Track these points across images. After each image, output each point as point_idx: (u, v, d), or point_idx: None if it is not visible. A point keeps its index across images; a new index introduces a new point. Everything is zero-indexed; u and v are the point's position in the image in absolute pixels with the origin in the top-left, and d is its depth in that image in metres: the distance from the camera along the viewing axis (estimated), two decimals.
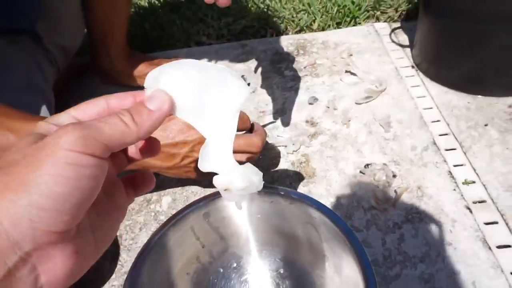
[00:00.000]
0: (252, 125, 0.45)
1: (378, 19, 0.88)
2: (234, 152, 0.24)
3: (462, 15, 0.56)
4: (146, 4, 1.06)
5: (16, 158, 0.17)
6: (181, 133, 0.42)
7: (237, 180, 0.22)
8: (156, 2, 1.05)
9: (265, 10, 0.94)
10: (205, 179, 0.50)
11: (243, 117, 0.44)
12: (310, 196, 0.34)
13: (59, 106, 0.62)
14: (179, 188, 0.54)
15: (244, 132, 0.45)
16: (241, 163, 0.23)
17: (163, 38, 0.92)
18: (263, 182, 0.24)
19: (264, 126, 0.62)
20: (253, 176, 0.23)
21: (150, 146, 0.24)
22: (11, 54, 0.52)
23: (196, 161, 0.42)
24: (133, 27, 0.92)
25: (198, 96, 0.22)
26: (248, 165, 0.23)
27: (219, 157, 0.23)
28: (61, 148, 0.17)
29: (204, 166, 0.23)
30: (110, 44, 0.72)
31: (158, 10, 1.02)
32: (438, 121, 0.59)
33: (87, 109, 0.22)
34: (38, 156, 0.17)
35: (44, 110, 0.53)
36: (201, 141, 0.42)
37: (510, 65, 0.57)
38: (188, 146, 0.42)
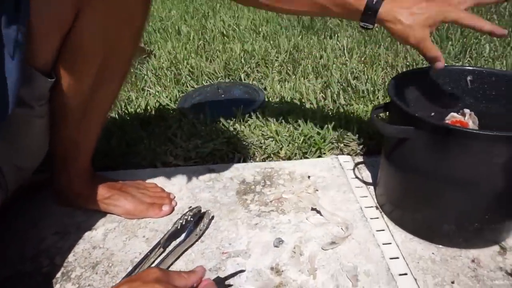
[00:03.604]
0: None
1: (342, 151, 0.92)
2: None
3: (420, 173, 0.59)
4: (116, 116, 1.07)
5: None
6: None
7: None
8: (127, 117, 1.06)
9: (234, 134, 0.96)
10: None
11: None
12: None
13: (2, 228, 0.55)
14: None
15: None
16: None
17: (128, 155, 0.90)
18: None
19: (227, 278, 0.57)
20: None
21: None
22: None
23: None
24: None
25: None
26: None
27: None
28: None
29: None
30: (71, 164, 0.68)
31: (127, 124, 1.02)
32: (405, 274, 0.58)
33: None
34: None
35: None
36: None
37: (469, 223, 0.59)
38: None
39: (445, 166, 0.56)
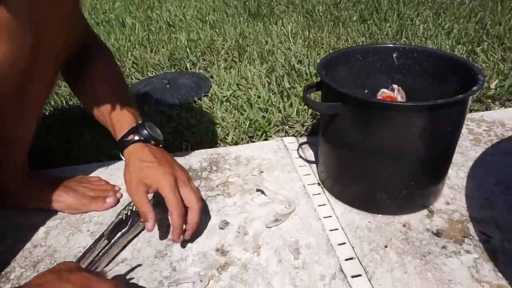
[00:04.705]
0: None
1: (287, 133, 0.94)
2: None
3: (351, 147, 0.62)
4: (56, 112, 1.03)
5: None
6: None
7: None
8: (68, 113, 1.02)
9: (180, 123, 0.96)
10: None
11: None
12: None
13: None
14: None
15: None
16: None
17: (71, 151, 0.87)
18: None
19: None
20: None
21: None
22: None
23: None
24: (37, 139, 0.87)
25: None
26: None
27: None
28: None
29: None
30: (6, 163, 0.65)
31: (69, 120, 0.99)
32: (344, 243, 0.61)
33: None
34: None
35: None
36: None
37: (399, 191, 0.63)
38: None
39: (371, 138, 0.59)
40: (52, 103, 1.06)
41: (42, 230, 0.66)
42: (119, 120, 0.65)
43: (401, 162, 0.60)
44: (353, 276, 0.55)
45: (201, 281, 0.54)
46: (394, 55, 0.73)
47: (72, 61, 0.67)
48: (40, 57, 0.57)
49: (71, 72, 0.69)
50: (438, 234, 0.62)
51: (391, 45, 0.73)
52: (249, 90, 1.08)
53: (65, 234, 0.65)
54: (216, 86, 1.14)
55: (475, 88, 0.56)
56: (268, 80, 1.15)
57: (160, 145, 0.66)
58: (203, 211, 0.68)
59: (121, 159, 0.85)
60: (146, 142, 0.63)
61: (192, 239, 0.62)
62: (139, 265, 0.59)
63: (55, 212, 0.70)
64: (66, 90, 1.14)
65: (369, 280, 0.55)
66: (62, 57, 0.63)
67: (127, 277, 0.57)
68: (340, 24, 1.60)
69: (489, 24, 1.46)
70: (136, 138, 0.63)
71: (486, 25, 1.46)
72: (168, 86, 1.15)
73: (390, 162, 0.60)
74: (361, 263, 0.58)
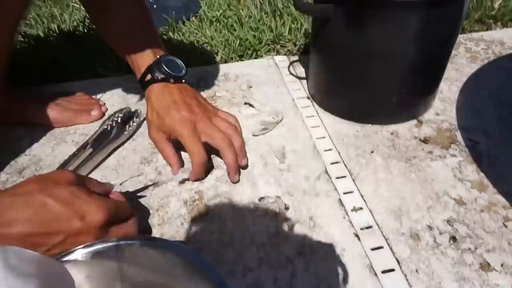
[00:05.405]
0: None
1: (278, 52, 0.91)
2: None
3: (343, 53, 0.60)
4: (40, 33, 0.98)
5: None
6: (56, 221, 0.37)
7: None
8: (52, 32, 0.98)
9: (168, 42, 0.92)
10: None
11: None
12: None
13: None
14: None
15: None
16: None
17: (54, 70, 0.84)
18: None
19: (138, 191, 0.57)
20: None
21: None
22: None
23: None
24: (19, 59, 0.84)
25: None
26: None
27: None
28: None
29: None
30: None
31: (51, 40, 0.95)
32: (330, 149, 0.61)
33: None
34: None
35: None
36: (78, 232, 0.37)
37: (389, 98, 0.62)
38: (62, 236, 0.37)
39: (362, 42, 0.57)
40: (33, 22, 1.01)
41: (26, 141, 0.65)
42: (138, 57, 0.59)
43: (392, 66, 0.58)
44: (337, 177, 0.56)
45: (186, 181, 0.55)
46: None
47: None
48: None
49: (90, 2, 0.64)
50: (425, 141, 0.62)
51: None
52: (241, 10, 1.02)
53: (50, 144, 0.65)
54: (206, 7, 1.08)
55: None
56: (261, 1, 1.09)
57: (184, 80, 0.59)
58: None
59: (106, 76, 0.84)
60: (165, 81, 0.57)
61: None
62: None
63: (38, 125, 0.68)
64: (46, 11, 1.09)
65: (354, 181, 0.55)
66: None
67: (113, 182, 0.57)
68: None
69: None
70: (154, 77, 0.57)
71: None
72: (155, 6, 1.09)
73: (381, 67, 0.58)
74: (346, 166, 0.58)
